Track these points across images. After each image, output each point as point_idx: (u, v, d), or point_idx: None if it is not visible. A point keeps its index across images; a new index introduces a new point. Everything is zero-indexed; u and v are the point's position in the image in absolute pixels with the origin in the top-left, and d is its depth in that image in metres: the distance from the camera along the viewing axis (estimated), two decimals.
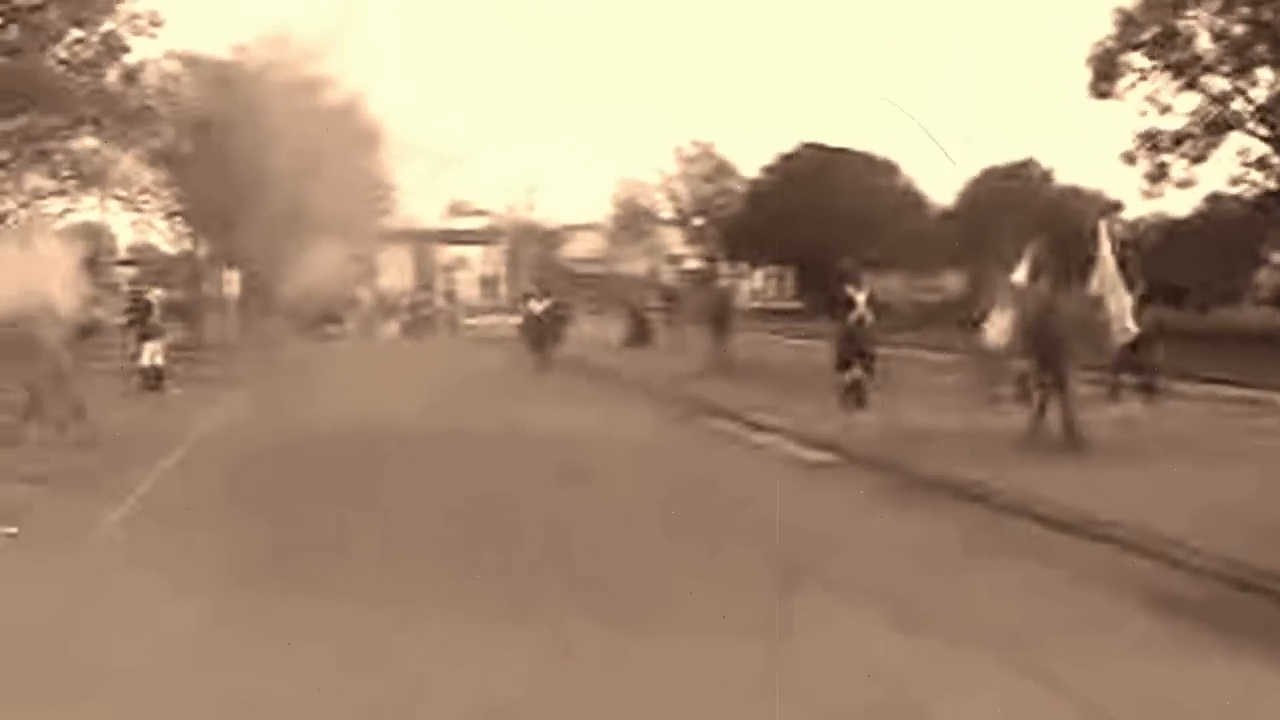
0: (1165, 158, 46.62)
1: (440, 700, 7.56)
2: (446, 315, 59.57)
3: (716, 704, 7.47)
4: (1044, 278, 19.08)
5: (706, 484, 16.40)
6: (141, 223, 66.33)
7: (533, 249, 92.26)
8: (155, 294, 31.32)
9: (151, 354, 28.26)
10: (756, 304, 72.20)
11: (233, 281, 57.13)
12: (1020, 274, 23.88)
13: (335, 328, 58.14)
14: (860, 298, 23.70)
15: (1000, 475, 14.76)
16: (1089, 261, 19.58)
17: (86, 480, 15.69)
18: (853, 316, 23.38)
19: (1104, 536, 11.66)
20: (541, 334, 39.28)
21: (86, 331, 21.64)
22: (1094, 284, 20.28)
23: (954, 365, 26.83)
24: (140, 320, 29.43)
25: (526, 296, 43.10)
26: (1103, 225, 21.23)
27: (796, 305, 70.20)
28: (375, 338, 54.17)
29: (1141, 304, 21.31)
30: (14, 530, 12.48)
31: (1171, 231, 55.15)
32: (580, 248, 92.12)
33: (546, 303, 40.62)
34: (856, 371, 23.67)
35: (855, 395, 23.28)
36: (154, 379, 28.23)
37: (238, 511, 14.02)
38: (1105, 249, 20.32)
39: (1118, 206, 65.66)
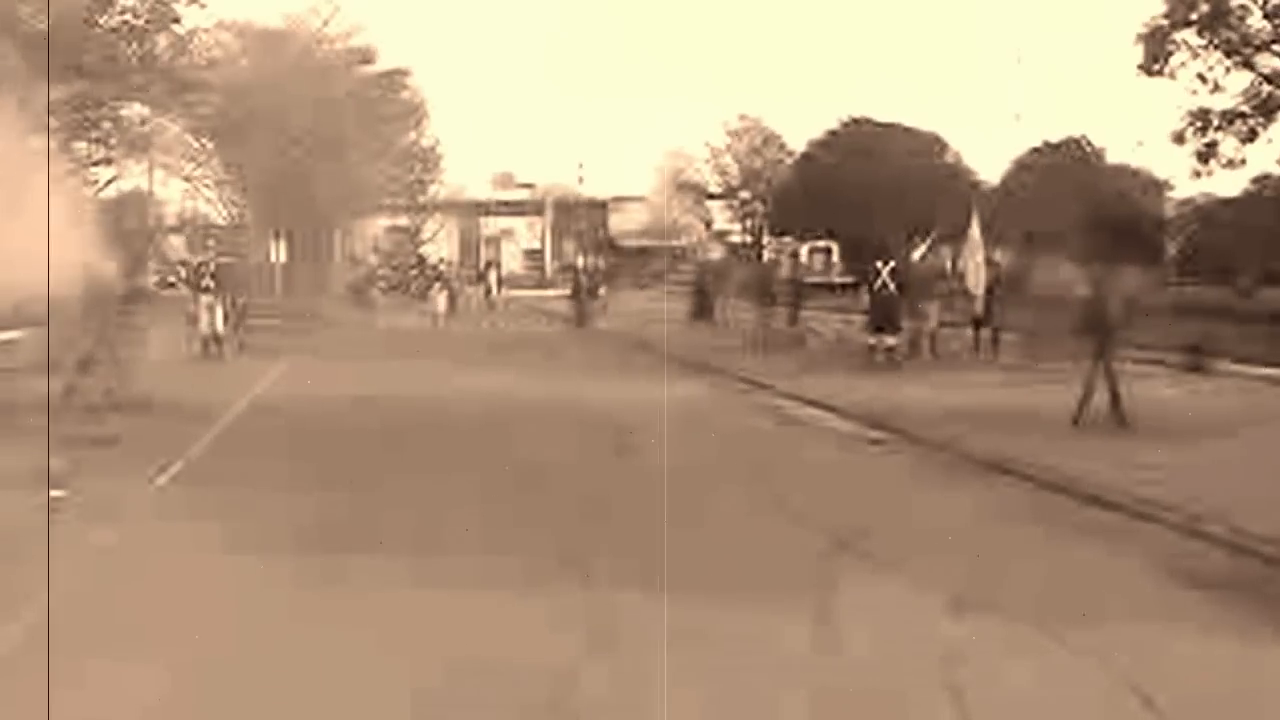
0: (1215, 137, 46.15)
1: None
2: (484, 287, 58.45)
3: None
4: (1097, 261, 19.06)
5: (738, 449, 16.46)
6: (191, 191, 66.62)
7: (578, 221, 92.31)
8: (205, 261, 31.37)
9: (210, 321, 28.43)
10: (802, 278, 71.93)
11: (279, 251, 57.30)
12: (965, 251, 26.51)
13: (380, 297, 58.01)
14: (885, 270, 25.73)
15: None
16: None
17: (134, 445, 15.77)
18: (877, 285, 25.43)
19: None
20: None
21: (134, 298, 21.68)
22: (965, 254, 27.93)
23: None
24: (202, 286, 29.34)
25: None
26: (974, 210, 28.67)
27: (843, 280, 70.01)
28: (419, 308, 53.89)
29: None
30: (62, 494, 12.54)
31: (1217, 211, 54.75)
32: (626, 220, 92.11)
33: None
34: (888, 339, 25.02)
35: (887, 360, 24.71)
36: (215, 345, 28.39)
37: (280, 474, 14.07)
38: (975, 226, 27.80)
39: (1166, 185, 65.38)
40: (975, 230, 27.88)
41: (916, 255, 28.40)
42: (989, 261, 28.54)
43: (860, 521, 11.65)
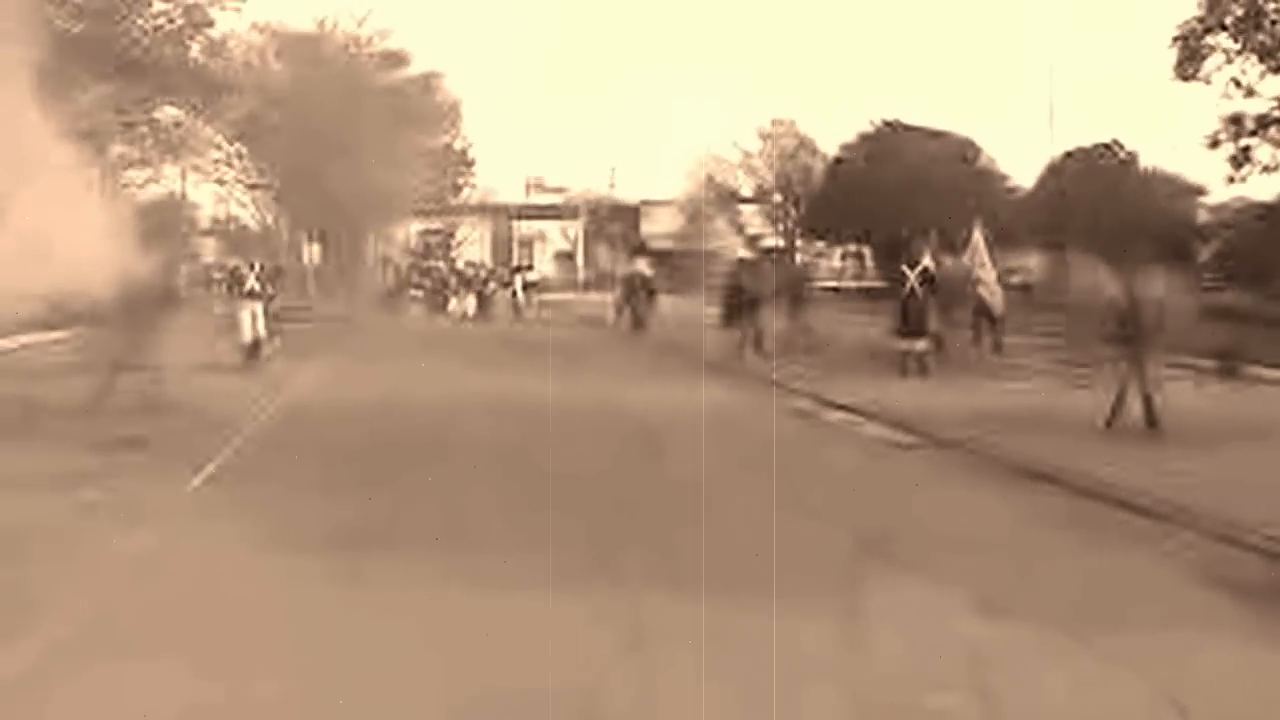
0: (1250, 141, 45.89)
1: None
2: (511, 291, 57.10)
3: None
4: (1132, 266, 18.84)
5: (766, 452, 16.42)
6: (224, 195, 66.93)
7: (611, 225, 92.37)
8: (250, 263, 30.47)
9: (252, 325, 27.68)
10: (835, 282, 71.66)
11: (313, 253, 57.49)
12: (966, 257, 26.35)
13: (411, 301, 57.88)
14: (912, 273, 25.51)
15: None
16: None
17: (168, 447, 15.83)
18: (905, 290, 25.23)
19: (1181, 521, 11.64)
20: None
21: (168, 300, 21.72)
22: (965, 261, 28.83)
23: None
24: (246, 291, 28.10)
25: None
26: (977, 227, 29.34)
27: (877, 284, 69.78)
28: (449, 313, 53.85)
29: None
30: (96, 495, 12.60)
31: (1251, 217, 54.36)
32: (659, 224, 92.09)
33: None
34: (917, 344, 24.85)
35: (916, 365, 24.53)
36: (255, 351, 27.62)
37: (314, 477, 14.11)
38: (977, 233, 28.81)
39: (1201, 191, 65.03)
40: (978, 236, 27.97)
41: (925, 260, 28.19)
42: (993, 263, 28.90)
43: (890, 524, 11.67)
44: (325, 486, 13.48)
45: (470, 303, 53.95)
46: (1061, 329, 26.28)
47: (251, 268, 28.66)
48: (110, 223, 19.25)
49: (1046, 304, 28.12)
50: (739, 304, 33.53)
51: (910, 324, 25.91)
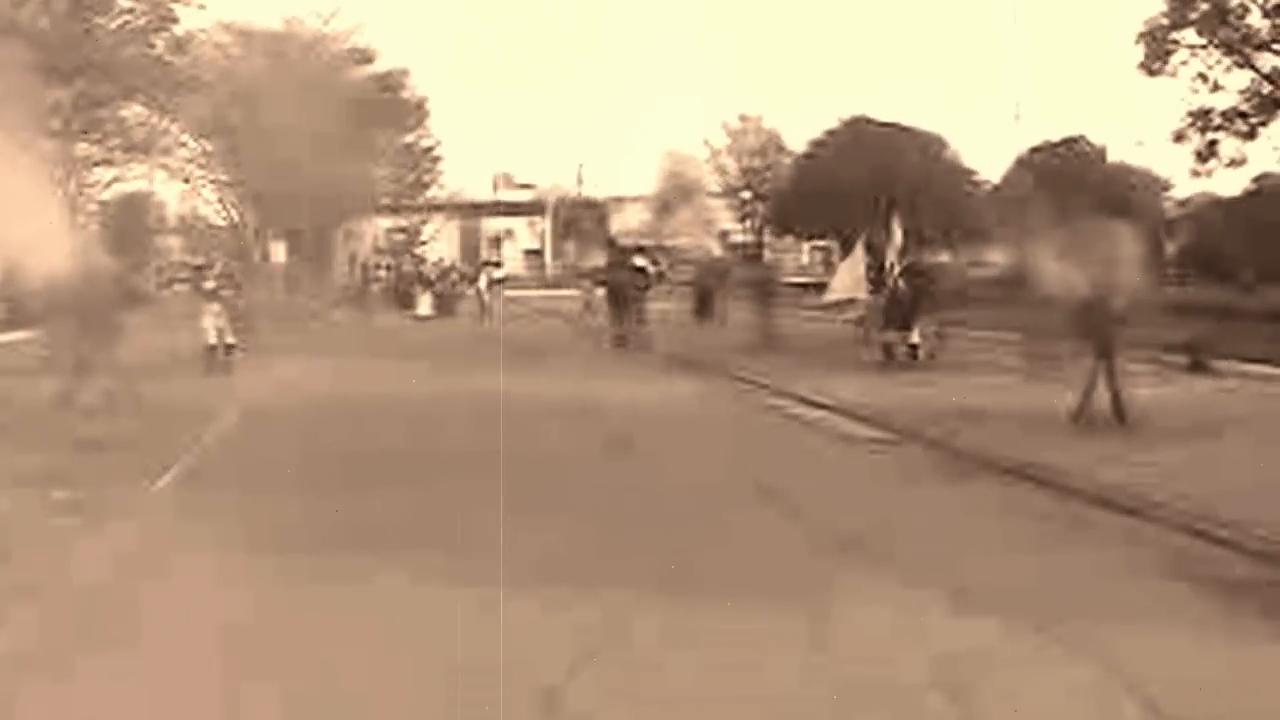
0: (1215, 136, 46.11)
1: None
2: (476, 289, 56.71)
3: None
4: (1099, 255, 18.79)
5: (745, 449, 16.44)
6: (190, 193, 66.69)
7: (579, 222, 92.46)
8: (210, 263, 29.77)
9: (218, 329, 26.40)
10: (803, 278, 71.77)
11: (279, 252, 57.32)
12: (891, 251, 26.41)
13: (378, 300, 57.68)
14: (896, 269, 25.82)
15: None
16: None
17: (131, 448, 15.71)
18: (889, 284, 25.59)
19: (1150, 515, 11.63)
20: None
21: (132, 299, 21.56)
22: (889, 254, 27.44)
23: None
24: (207, 290, 27.07)
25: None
26: (895, 212, 28.71)
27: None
28: (415, 311, 53.74)
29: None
30: (64, 494, 12.53)
31: (1217, 210, 54.75)
32: (627, 220, 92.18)
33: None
34: (891, 336, 25.08)
35: (904, 357, 24.77)
36: (223, 354, 26.33)
37: (277, 478, 14.05)
38: (896, 227, 27.45)
39: (1166, 184, 65.43)
40: (897, 231, 27.90)
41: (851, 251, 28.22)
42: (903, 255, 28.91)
43: (859, 520, 11.62)
44: (290, 486, 13.42)
45: (428, 300, 53.91)
46: (1026, 322, 26.31)
47: (211, 266, 27.97)
48: (74, 222, 19.17)
49: (1011, 298, 28.04)
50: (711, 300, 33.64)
51: (896, 317, 25.97)
